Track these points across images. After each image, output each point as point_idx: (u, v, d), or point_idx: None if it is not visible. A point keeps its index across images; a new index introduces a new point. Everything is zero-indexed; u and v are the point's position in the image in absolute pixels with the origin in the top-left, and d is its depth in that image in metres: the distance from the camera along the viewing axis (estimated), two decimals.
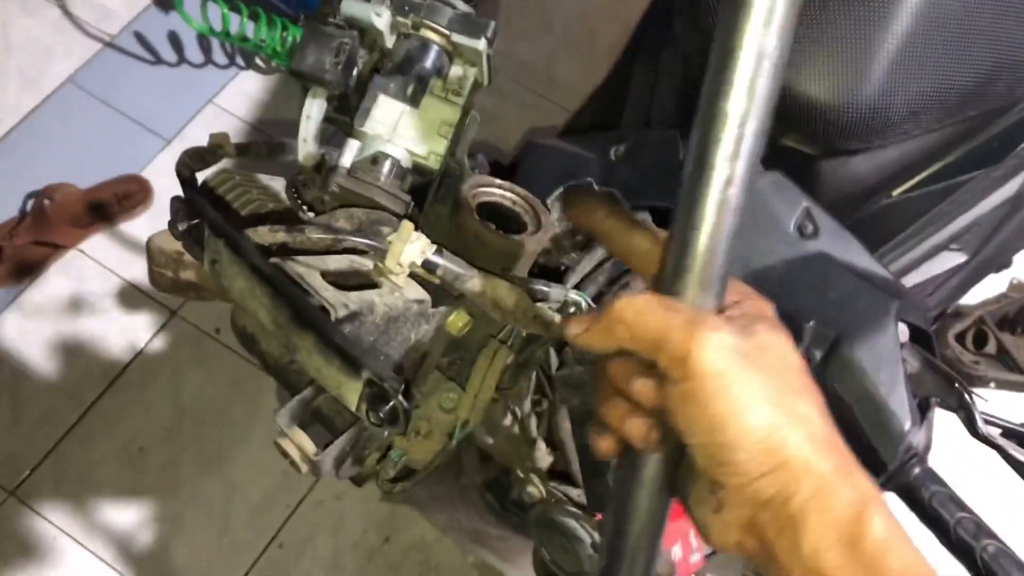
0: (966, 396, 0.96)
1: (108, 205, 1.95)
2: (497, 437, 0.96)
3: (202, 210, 0.54)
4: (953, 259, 1.31)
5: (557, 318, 0.66)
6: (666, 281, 0.48)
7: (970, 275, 1.36)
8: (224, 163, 0.83)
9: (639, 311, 0.47)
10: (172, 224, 0.56)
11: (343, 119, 0.67)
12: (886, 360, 0.94)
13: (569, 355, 0.67)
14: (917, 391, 0.98)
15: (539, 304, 0.66)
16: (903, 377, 0.94)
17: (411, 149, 0.63)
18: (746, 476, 0.44)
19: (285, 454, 0.67)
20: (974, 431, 0.96)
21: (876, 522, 0.42)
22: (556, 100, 2.17)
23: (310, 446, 0.66)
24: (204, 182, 0.62)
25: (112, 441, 1.78)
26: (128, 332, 1.88)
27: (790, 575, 0.43)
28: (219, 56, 2.17)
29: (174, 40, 2.17)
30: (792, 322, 1.00)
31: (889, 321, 0.96)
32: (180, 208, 0.55)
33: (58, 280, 1.92)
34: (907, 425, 0.92)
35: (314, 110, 0.65)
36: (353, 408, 0.51)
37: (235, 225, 0.53)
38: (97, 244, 1.96)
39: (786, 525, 0.43)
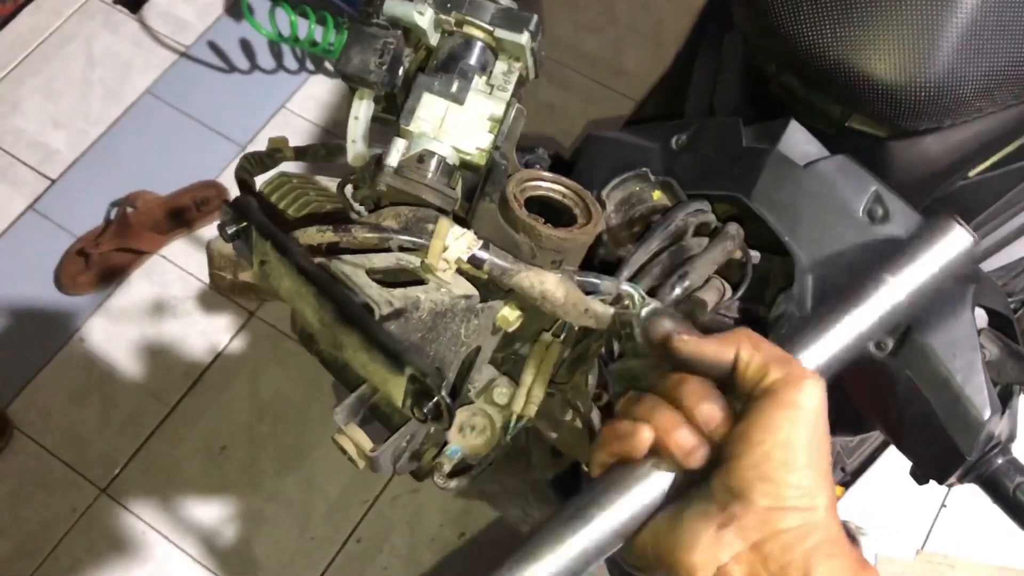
0: None
1: (187, 211, 2.00)
2: (561, 431, 0.96)
3: (248, 213, 0.56)
4: None
5: (610, 311, 0.66)
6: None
7: None
8: (284, 166, 0.85)
9: (760, 338, 0.52)
10: (221, 228, 0.57)
11: (391, 118, 0.68)
12: (962, 346, 0.91)
13: (627, 348, 0.66)
14: (998, 379, 0.94)
15: (590, 297, 0.65)
16: (981, 364, 0.90)
17: (457, 146, 0.63)
18: (783, 501, 0.47)
19: (343, 450, 0.68)
20: None
21: None
22: (623, 91, 2.15)
23: (366, 442, 0.67)
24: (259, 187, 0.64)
25: (195, 440, 1.84)
26: (208, 334, 1.93)
27: None
28: (290, 61, 2.21)
29: (246, 47, 2.23)
30: None
31: (965, 306, 0.92)
32: (229, 212, 0.57)
33: (141, 285, 1.99)
34: (986, 414, 0.88)
35: (361, 111, 0.65)
36: (399, 404, 0.52)
37: (282, 227, 0.54)
38: (178, 249, 2.02)
39: (793, 562, 0.46)
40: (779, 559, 0.46)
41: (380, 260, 0.56)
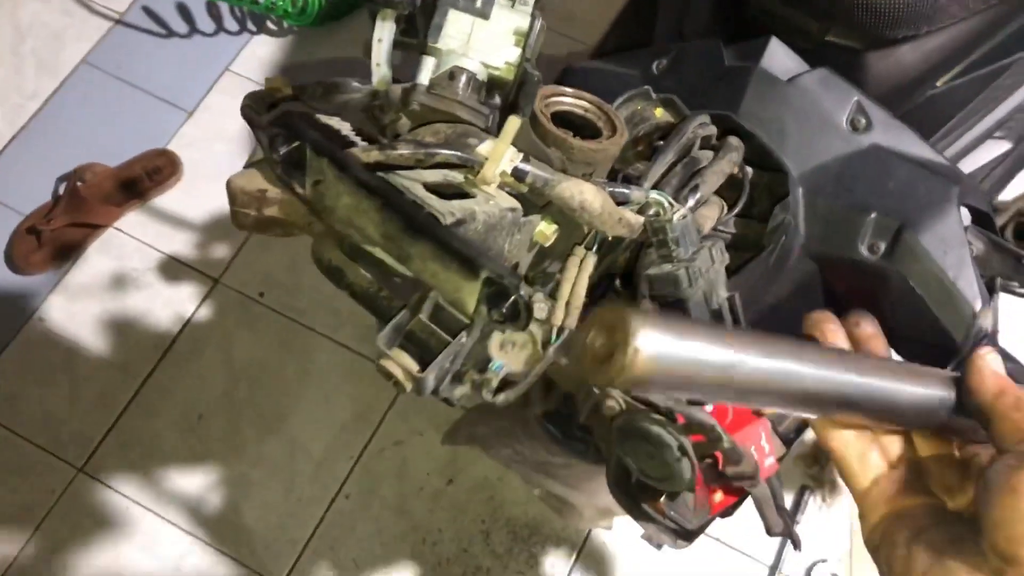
0: None
1: (139, 181, 1.96)
2: (571, 356, 0.97)
3: (303, 131, 0.55)
4: (998, 148, 1.30)
5: (640, 219, 0.67)
6: None
7: (1014, 163, 1.35)
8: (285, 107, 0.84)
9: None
10: (271, 149, 0.56)
11: (410, 41, 0.67)
12: (952, 243, 0.95)
13: (654, 257, 0.68)
14: (984, 272, 0.99)
15: (621, 207, 0.66)
16: (970, 258, 0.94)
17: (485, 61, 0.63)
18: None
19: (388, 375, 0.68)
20: None
21: None
22: (577, 37, 2.15)
23: (412, 364, 0.67)
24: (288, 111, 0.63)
25: (171, 411, 1.81)
26: (174, 304, 1.90)
27: None
28: (230, 23, 2.16)
29: (183, 11, 2.17)
30: (853, 216, 1.01)
31: (951, 205, 0.96)
32: (279, 133, 0.56)
33: (99, 259, 1.94)
34: (978, 305, 0.92)
35: (384, 32, 0.65)
36: (471, 311, 0.52)
37: (337, 144, 0.54)
38: (133, 221, 1.98)
39: None
40: None
41: (429, 176, 0.56)
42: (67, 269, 1.93)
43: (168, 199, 1.99)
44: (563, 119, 0.69)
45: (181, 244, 1.95)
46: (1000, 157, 1.30)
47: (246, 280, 1.92)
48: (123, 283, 1.92)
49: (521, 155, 0.60)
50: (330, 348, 1.85)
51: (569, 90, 0.68)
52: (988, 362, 0.51)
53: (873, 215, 0.97)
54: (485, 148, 0.58)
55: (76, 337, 1.88)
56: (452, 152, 0.57)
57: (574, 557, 1.69)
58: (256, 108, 0.75)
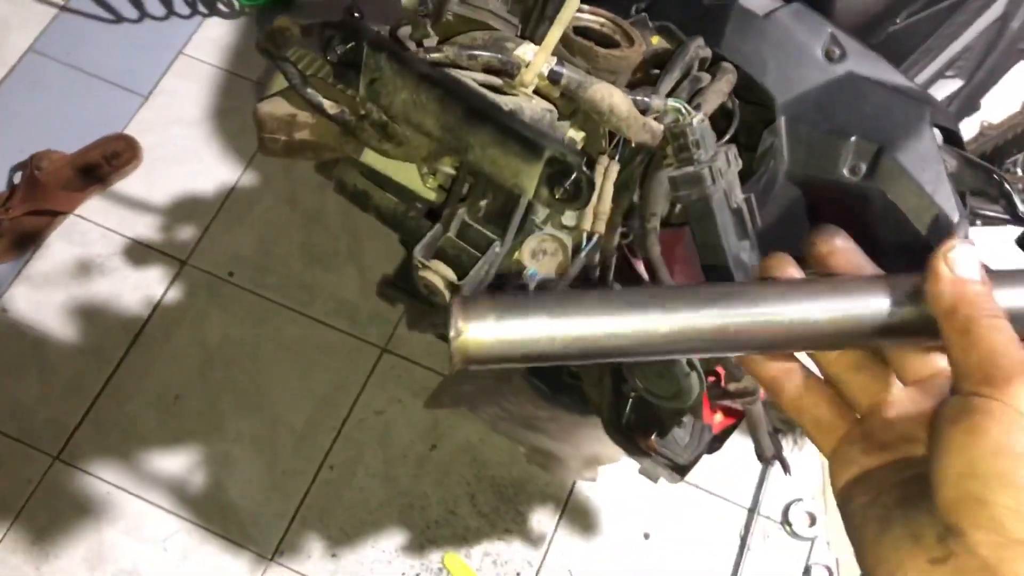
0: (1005, 184, 1.03)
1: (98, 167, 1.93)
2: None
3: (364, 29, 0.57)
4: (951, 86, 1.37)
5: (661, 127, 0.71)
6: None
7: (964, 102, 1.42)
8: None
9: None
10: (327, 49, 0.58)
11: None
12: (928, 161, 1.00)
13: (673, 162, 0.71)
14: (958, 187, 1.05)
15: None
16: (946, 175, 1.00)
17: None
18: (1006, 532, 0.34)
19: (427, 286, 0.71)
20: (1016, 216, 1.03)
21: None
22: None
23: (451, 274, 0.70)
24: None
25: (146, 394, 1.80)
26: (142, 288, 1.88)
27: None
28: (180, 6, 2.14)
29: None
30: (834, 140, 1.06)
31: (925, 125, 1.01)
32: (334, 33, 0.58)
33: (61, 247, 1.91)
34: (955, 217, 0.98)
35: None
36: (531, 194, 0.55)
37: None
38: (94, 207, 1.95)
39: None
40: None
41: (473, 77, 0.59)
42: (28, 258, 1.90)
43: (129, 184, 1.97)
44: (581, 34, 0.72)
45: (145, 228, 1.93)
46: (952, 95, 1.38)
47: (214, 260, 1.91)
48: (88, 269, 1.89)
49: (555, 59, 0.63)
50: (304, 323, 1.86)
51: (585, 6, 0.71)
52: (950, 261, 0.40)
53: (853, 139, 1.02)
54: (522, 52, 0.61)
55: (43, 326, 1.85)
56: (494, 55, 0.60)
57: (559, 512, 1.73)
58: (275, 42, 0.77)
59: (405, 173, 0.78)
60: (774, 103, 1.01)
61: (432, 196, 0.78)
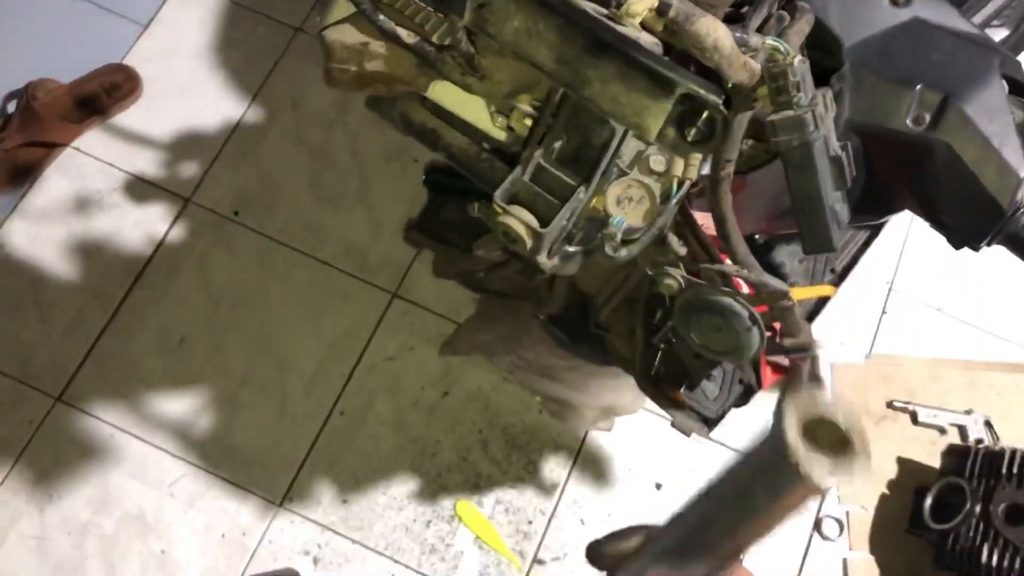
0: None
1: (97, 98, 1.85)
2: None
3: None
4: (997, 35, 1.34)
5: (759, 66, 0.66)
6: None
7: (1012, 49, 1.39)
8: None
9: None
10: None
11: None
12: (996, 112, 0.96)
13: (782, 101, 0.66)
14: None
15: None
16: (1013, 127, 0.97)
17: None
18: None
19: (507, 232, 0.67)
20: None
21: None
22: None
23: (533, 220, 0.66)
24: None
25: (150, 335, 1.75)
26: (143, 225, 1.82)
27: None
28: None
29: None
30: (898, 89, 1.02)
31: (994, 75, 0.98)
32: None
33: (59, 180, 1.84)
34: (1023, 171, 0.95)
35: None
36: (653, 134, 0.51)
37: None
38: (93, 140, 1.88)
39: None
40: None
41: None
42: (25, 191, 1.83)
43: (129, 117, 1.90)
44: None
45: (147, 163, 1.87)
46: (1000, 42, 1.34)
47: (219, 198, 1.85)
48: (87, 205, 1.83)
49: None
50: (312, 266, 1.81)
51: None
52: None
53: (918, 87, 0.98)
54: None
55: (40, 262, 1.78)
56: None
57: (572, 461, 1.71)
58: None
59: (474, 111, 0.74)
60: (840, 48, 0.97)
61: (502, 136, 0.74)
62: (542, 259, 0.70)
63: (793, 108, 0.66)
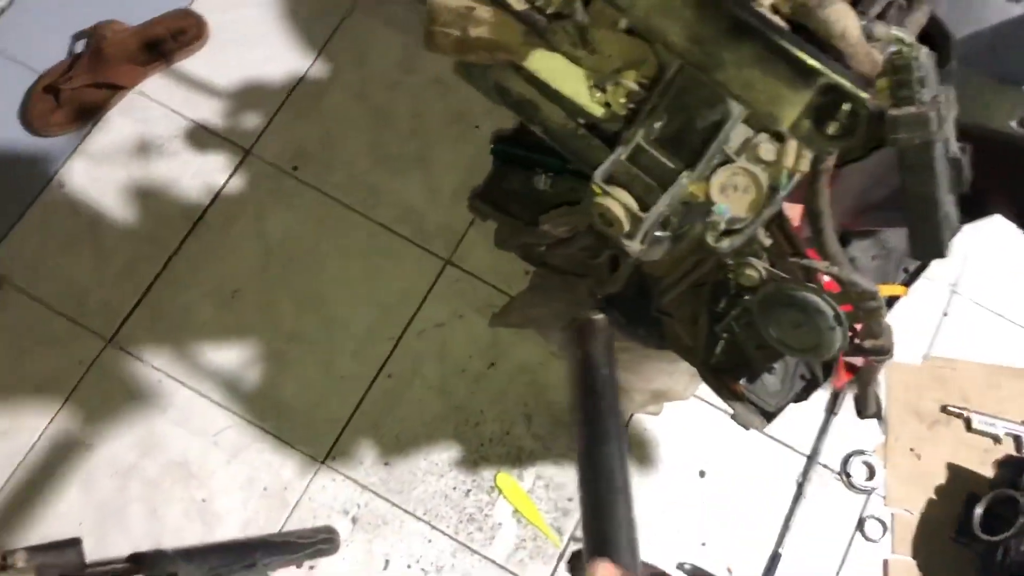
0: None
1: (163, 42, 1.84)
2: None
3: None
4: None
5: (881, 58, 0.63)
6: None
7: None
8: None
9: None
10: None
11: None
12: None
13: (903, 96, 0.63)
14: None
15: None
16: None
17: None
18: None
19: (604, 215, 0.64)
20: None
21: None
22: None
23: (634, 203, 0.63)
24: None
25: (203, 284, 1.75)
26: (203, 174, 1.81)
27: None
28: None
29: None
30: (1005, 88, 0.98)
31: None
32: None
33: (122, 123, 1.84)
34: None
35: None
36: (787, 124, 0.48)
37: None
38: (157, 84, 1.87)
39: None
40: None
41: None
42: (87, 132, 1.83)
43: (193, 63, 1.89)
44: None
45: (209, 111, 1.86)
46: None
47: (278, 152, 1.83)
48: (148, 150, 1.83)
49: None
50: (367, 227, 1.79)
51: None
52: None
53: None
54: None
55: (100, 204, 1.79)
56: None
57: None
58: None
59: (572, 84, 0.71)
60: (949, 42, 0.93)
61: (599, 112, 0.71)
62: (633, 244, 0.68)
63: (915, 104, 0.62)
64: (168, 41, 1.85)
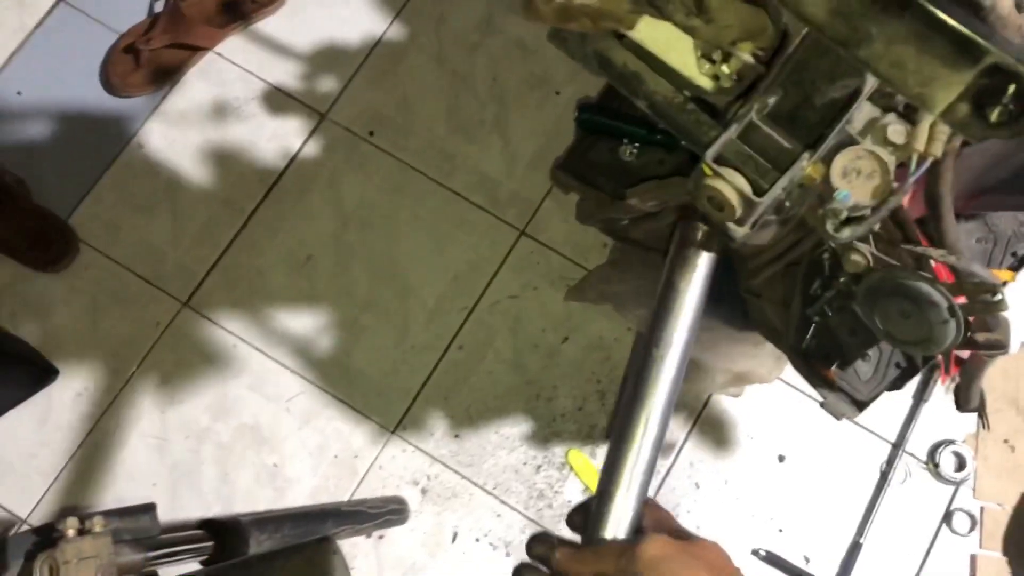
0: None
1: (241, 3, 1.82)
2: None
3: None
4: None
5: None
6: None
7: None
8: None
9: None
10: None
11: None
12: None
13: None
14: None
15: None
16: None
17: None
18: None
19: (712, 198, 0.59)
20: None
21: None
22: None
23: (747, 187, 0.58)
24: None
25: (278, 249, 1.74)
26: (279, 137, 1.80)
27: None
28: None
29: None
30: None
31: None
32: None
33: (199, 85, 1.83)
34: None
35: None
36: (940, 108, 0.43)
37: None
38: (235, 46, 1.85)
39: None
40: None
41: None
42: (166, 93, 1.83)
43: (271, 25, 1.86)
44: None
45: (285, 74, 1.83)
46: None
47: (354, 117, 1.81)
48: (224, 112, 1.81)
49: None
50: (442, 195, 1.76)
51: None
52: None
53: None
54: None
55: (177, 166, 1.78)
56: None
57: (691, 424, 1.65)
58: None
59: (679, 55, 0.66)
60: None
61: (708, 85, 0.66)
62: (741, 229, 0.63)
63: None
64: (246, 2, 1.83)
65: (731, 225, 0.64)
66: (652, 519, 0.65)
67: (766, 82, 0.61)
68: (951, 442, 1.63)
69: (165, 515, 1.58)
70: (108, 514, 1.11)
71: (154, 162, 1.79)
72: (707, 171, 0.59)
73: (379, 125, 1.80)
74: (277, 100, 1.82)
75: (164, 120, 1.81)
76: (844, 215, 0.59)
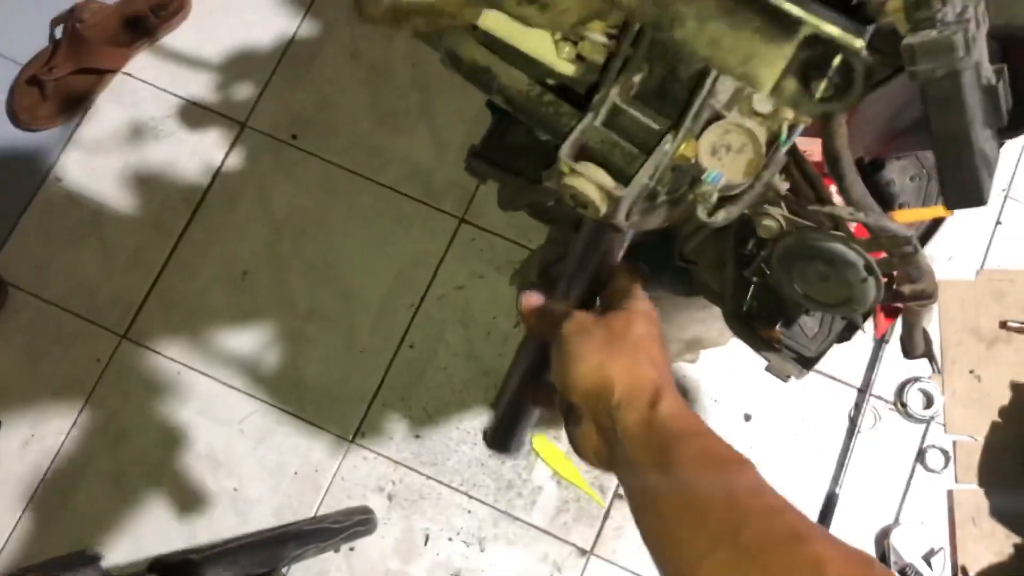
0: None
1: (145, 18, 1.76)
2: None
3: None
4: None
5: None
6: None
7: None
8: None
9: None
10: None
11: None
12: None
13: (893, 14, 0.52)
14: None
15: None
16: None
17: None
18: (582, 391, 0.64)
19: (575, 196, 0.55)
20: None
21: (663, 404, 0.61)
22: None
23: (607, 180, 0.54)
24: None
25: (212, 268, 1.69)
26: (200, 152, 1.74)
27: (617, 446, 0.62)
28: None
29: None
30: None
31: None
32: None
33: (111, 109, 1.77)
34: None
35: None
36: (768, 87, 0.39)
37: None
38: (143, 64, 1.79)
39: (611, 416, 0.62)
40: (606, 418, 0.64)
41: None
42: (78, 122, 1.76)
43: (178, 37, 1.80)
44: None
45: (199, 87, 1.78)
46: None
47: (276, 122, 1.75)
48: (141, 133, 1.75)
49: None
50: (375, 191, 1.71)
51: None
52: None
53: None
54: None
55: (99, 195, 1.73)
56: None
57: None
58: None
59: (535, 41, 0.62)
60: None
61: (570, 70, 0.61)
62: (619, 221, 0.59)
63: (936, 27, 0.51)
64: (150, 17, 1.76)
65: (615, 221, 0.60)
66: (611, 288, 0.74)
67: (626, 60, 0.56)
68: (917, 379, 1.60)
69: (127, 554, 1.55)
70: (48, 564, 1.07)
71: (75, 194, 1.73)
72: (564, 169, 0.55)
73: (301, 127, 1.74)
74: (194, 114, 1.76)
75: (80, 149, 1.75)
76: (714, 197, 0.55)
